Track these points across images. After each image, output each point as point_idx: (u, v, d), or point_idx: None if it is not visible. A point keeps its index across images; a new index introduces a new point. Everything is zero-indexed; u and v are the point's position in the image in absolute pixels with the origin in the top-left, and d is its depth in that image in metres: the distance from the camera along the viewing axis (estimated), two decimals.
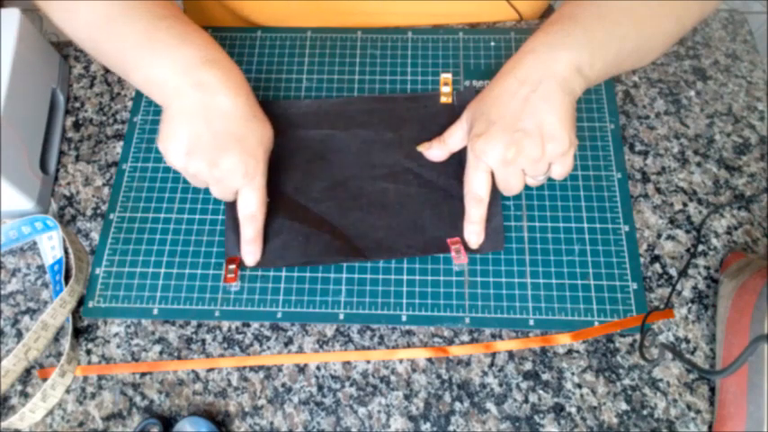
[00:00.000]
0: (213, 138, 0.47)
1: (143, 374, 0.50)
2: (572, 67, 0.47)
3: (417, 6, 0.63)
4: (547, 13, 0.71)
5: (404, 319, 0.50)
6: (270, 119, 0.52)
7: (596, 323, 0.50)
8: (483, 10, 0.64)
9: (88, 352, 0.51)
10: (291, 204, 0.54)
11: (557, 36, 0.48)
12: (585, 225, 0.53)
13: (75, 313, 0.52)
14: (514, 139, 0.46)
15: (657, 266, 0.52)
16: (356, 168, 0.55)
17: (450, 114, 0.57)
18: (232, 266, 0.51)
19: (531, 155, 0.47)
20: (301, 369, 0.50)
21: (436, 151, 0.54)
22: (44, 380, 0.50)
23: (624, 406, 0.48)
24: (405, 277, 0.52)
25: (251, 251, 0.51)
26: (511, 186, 0.50)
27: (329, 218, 0.53)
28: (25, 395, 0.50)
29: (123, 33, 0.48)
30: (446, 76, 0.59)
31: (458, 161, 0.54)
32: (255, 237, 0.51)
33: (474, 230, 0.52)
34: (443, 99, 0.58)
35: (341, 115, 0.58)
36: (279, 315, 0.51)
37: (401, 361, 0.50)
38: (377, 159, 0.56)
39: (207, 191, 0.55)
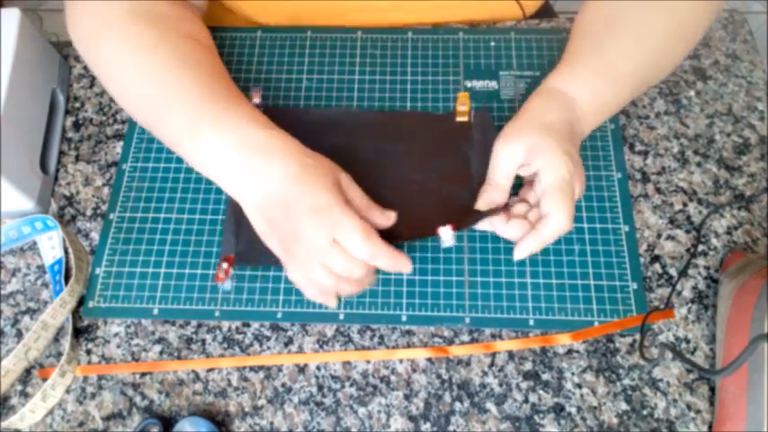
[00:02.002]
0: (279, 225, 0.45)
1: (143, 374, 0.50)
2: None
3: (419, 3, 0.63)
4: (544, 10, 0.70)
5: (404, 319, 0.50)
6: (282, 125, 0.51)
7: (596, 323, 0.50)
8: (485, 8, 0.64)
9: (88, 352, 0.51)
10: None
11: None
12: (585, 225, 0.53)
13: (75, 313, 0.52)
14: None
15: (657, 266, 0.52)
16: (361, 177, 0.55)
17: (466, 134, 0.56)
18: (225, 265, 0.51)
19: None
20: (301, 369, 0.50)
21: (497, 197, 0.50)
22: (44, 380, 0.50)
23: (624, 406, 0.48)
24: (405, 277, 0.52)
25: (398, 263, 0.46)
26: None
27: None
28: (25, 395, 0.50)
29: (169, 122, 0.49)
30: (463, 94, 0.57)
31: (463, 171, 0.54)
32: (389, 256, 0.45)
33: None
34: (459, 118, 0.57)
35: (353, 126, 0.58)
36: (279, 315, 0.51)
37: (401, 361, 0.50)
38: (383, 170, 0.55)
39: (206, 190, 0.55)
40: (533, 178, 0.48)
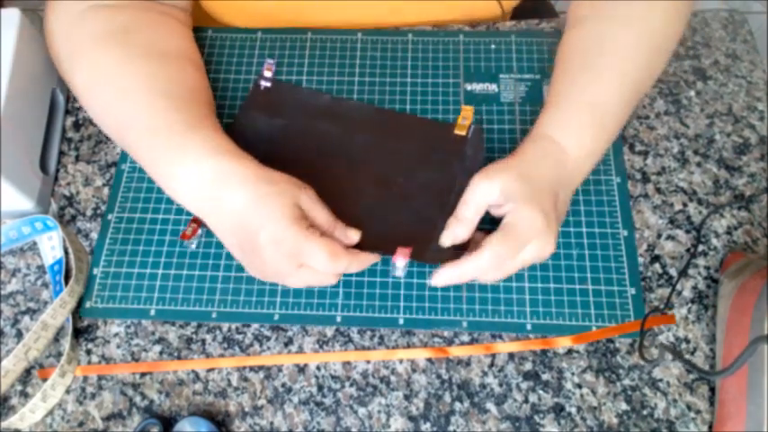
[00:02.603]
0: (242, 247, 0.46)
1: (143, 374, 0.50)
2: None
3: (391, 3, 0.62)
4: (518, 12, 0.70)
5: (401, 322, 0.50)
6: (285, 103, 0.52)
7: (594, 328, 0.50)
8: (461, 7, 0.64)
9: (88, 352, 0.51)
10: None
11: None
12: (584, 229, 0.53)
13: (75, 313, 0.52)
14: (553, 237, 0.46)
15: (657, 266, 0.52)
16: (345, 166, 0.55)
17: (460, 147, 0.56)
18: (194, 225, 0.52)
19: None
20: (301, 369, 0.50)
21: (461, 233, 0.48)
22: (44, 380, 0.50)
23: (624, 406, 0.48)
24: (402, 281, 0.52)
25: (367, 263, 0.48)
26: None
27: None
28: (25, 395, 0.50)
29: (132, 151, 0.50)
30: (468, 108, 0.57)
31: (445, 185, 0.53)
32: (358, 263, 0.47)
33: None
34: (458, 130, 0.56)
35: (353, 116, 0.58)
36: (276, 317, 0.51)
37: (401, 361, 0.50)
38: (370, 163, 0.55)
39: None
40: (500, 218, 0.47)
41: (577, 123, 0.49)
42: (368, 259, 0.48)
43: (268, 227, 0.44)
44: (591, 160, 0.50)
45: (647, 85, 0.53)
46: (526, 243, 0.45)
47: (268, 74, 0.59)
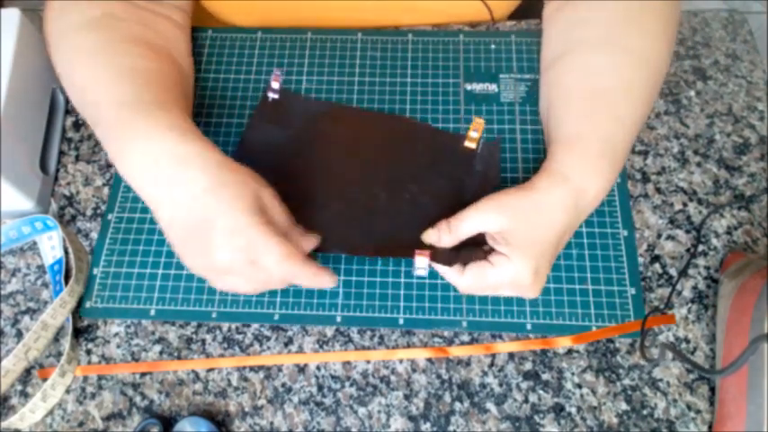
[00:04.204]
0: (189, 234, 0.44)
1: (143, 374, 0.50)
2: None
3: (382, 3, 0.62)
4: (517, 12, 0.70)
5: (401, 322, 0.50)
6: (294, 113, 0.52)
7: (593, 328, 0.50)
8: (453, 9, 0.64)
9: (88, 352, 0.51)
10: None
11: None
12: (584, 229, 0.53)
13: (75, 313, 0.52)
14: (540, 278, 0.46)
15: (657, 266, 0.52)
16: (357, 171, 0.55)
17: (469, 161, 0.55)
18: None
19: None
20: (301, 369, 0.50)
21: (446, 242, 0.48)
22: (44, 380, 0.50)
23: (624, 406, 0.48)
24: (402, 280, 0.52)
25: (320, 281, 0.46)
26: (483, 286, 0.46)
27: (308, 206, 0.52)
28: (25, 395, 0.50)
29: (100, 134, 0.48)
30: (480, 121, 0.56)
31: (457, 193, 0.53)
32: (309, 276, 0.45)
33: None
34: (467, 143, 0.56)
35: (364, 124, 0.58)
36: (276, 317, 0.51)
37: (401, 361, 0.50)
38: (380, 169, 0.55)
39: None
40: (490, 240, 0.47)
41: (596, 164, 0.47)
42: (323, 276, 0.45)
43: (226, 215, 0.42)
44: (604, 195, 0.48)
45: (650, 107, 0.52)
46: (504, 289, 0.46)
47: (275, 85, 0.58)
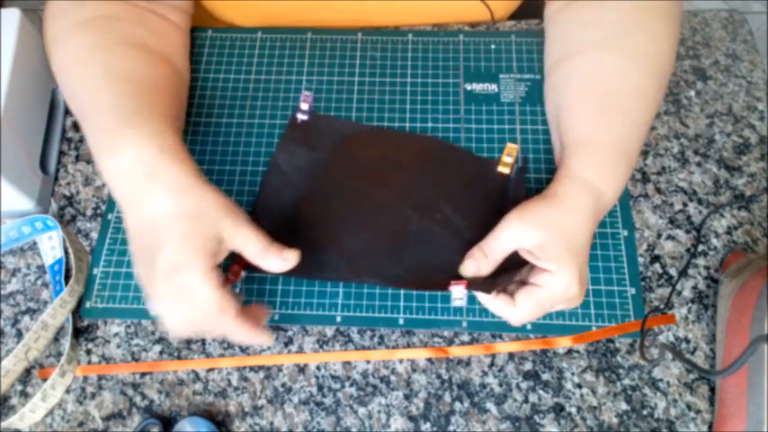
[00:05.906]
0: (143, 249, 0.43)
1: (143, 374, 0.50)
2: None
3: (381, 3, 0.62)
4: (517, 12, 0.70)
5: (401, 322, 0.50)
6: (325, 134, 0.52)
7: (594, 328, 0.50)
8: (453, 9, 0.63)
9: (88, 352, 0.51)
10: (310, 215, 0.53)
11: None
12: None
13: (75, 313, 0.52)
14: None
15: (657, 266, 0.52)
16: (387, 193, 0.54)
17: (502, 186, 0.54)
18: (234, 268, 0.50)
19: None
20: (301, 369, 0.50)
21: (484, 268, 0.47)
22: (44, 380, 0.50)
23: (624, 406, 0.48)
24: None
25: (255, 341, 0.45)
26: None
27: (338, 231, 0.52)
28: (25, 395, 0.50)
29: (87, 135, 0.48)
30: (512, 146, 0.55)
31: (492, 217, 0.49)
32: (243, 335, 0.44)
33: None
34: (501, 168, 0.55)
35: (395, 144, 0.57)
36: (276, 317, 0.51)
37: (401, 361, 0.50)
38: (412, 190, 0.54)
39: None
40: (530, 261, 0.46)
41: (613, 168, 0.47)
42: (257, 338, 0.44)
43: (171, 250, 0.41)
44: (618, 195, 0.48)
45: (657, 111, 0.52)
46: (557, 306, 0.45)
47: (305, 106, 0.57)
